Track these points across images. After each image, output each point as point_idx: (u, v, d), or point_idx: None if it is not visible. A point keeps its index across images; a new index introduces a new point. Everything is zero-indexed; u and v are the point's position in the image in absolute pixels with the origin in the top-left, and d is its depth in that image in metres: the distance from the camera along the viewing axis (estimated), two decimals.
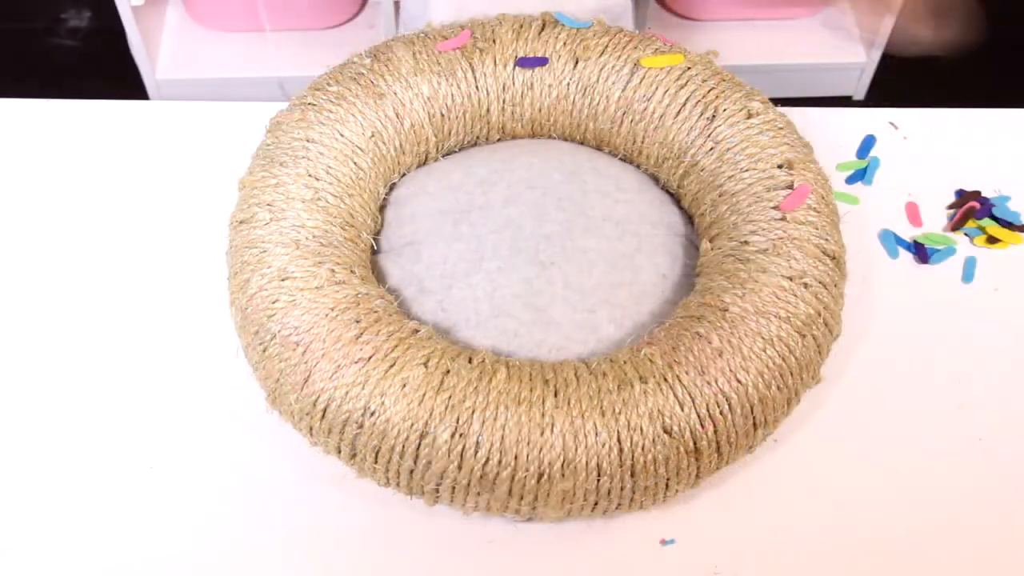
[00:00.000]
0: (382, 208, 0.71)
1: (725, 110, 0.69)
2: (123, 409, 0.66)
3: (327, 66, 0.73)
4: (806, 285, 0.62)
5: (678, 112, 0.70)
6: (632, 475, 0.57)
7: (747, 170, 0.67)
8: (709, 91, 0.70)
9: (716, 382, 0.58)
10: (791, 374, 0.60)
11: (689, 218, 0.71)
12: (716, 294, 0.62)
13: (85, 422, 0.66)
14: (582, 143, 0.74)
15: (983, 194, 0.78)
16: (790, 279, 0.62)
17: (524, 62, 0.71)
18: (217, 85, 1.37)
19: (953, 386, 0.69)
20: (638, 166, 0.73)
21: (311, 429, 0.60)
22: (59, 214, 0.76)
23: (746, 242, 0.64)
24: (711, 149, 0.68)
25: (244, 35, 1.39)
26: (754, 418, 0.60)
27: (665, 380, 0.58)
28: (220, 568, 0.61)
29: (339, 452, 0.60)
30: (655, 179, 0.73)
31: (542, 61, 0.71)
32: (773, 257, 0.63)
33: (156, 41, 1.39)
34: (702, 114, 0.69)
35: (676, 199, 0.72)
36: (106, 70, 1.42)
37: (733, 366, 0.59)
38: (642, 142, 0.71)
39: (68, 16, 1.55)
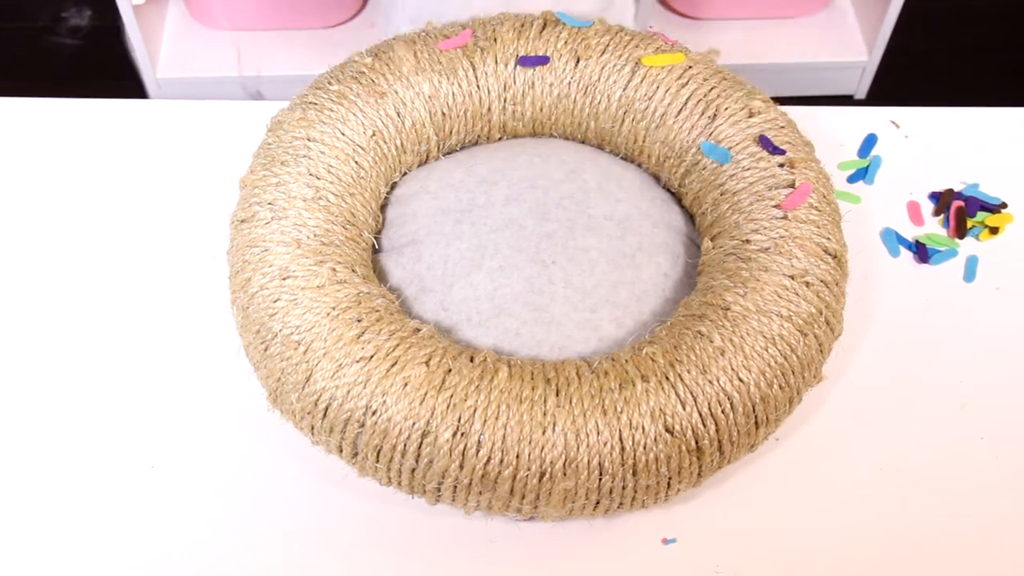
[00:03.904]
0: (383, 207, 0.71)
1: (726, 109, 0.69)
2: (124, 408, 0.66)
3: (328, 65, 0.73)
4: (808, 284, 0.62)
5: (679, 111, 0.70)
6: (634, 474, 0.57)
7: (748, 169, 0.67)
8: (710, 90, 0.70)
9: (718, 381, 0.58)
10: (793, 373, 0.60)
11: (690, 217, 0.71)
12: (718, 293, 0.62)
13: (85, 421, 0.66)
14: (583, 142, 0.74)
15: (955, 190, 0.78)
16: (792, 278, 0.62)
17: (525, 61, 0.71)
18: (218, 84, 1.37)
19: (955, 385, 0.69)
20: (639, 165, 0.73)
21: (312, 428, 0.60)
22: (59, 214, 0.76)
23: (747, 241, 0.64)
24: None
25: (244, 34, 1.39)
26: (756, 417, 0.59)
27: (667, 379, 0.58)
28: (221, 567, 0.61)
29: (340, 451, 0.60)
30: (656, 178, 0.73)
31: (543, 60, 0.71)
32: (775, 256, 0.63)
33: (157, 40, 1.39)
34: (703, 113, 0.69)
35: (677, 198, 0.72)
36: (107, 69, 1.42)
37: (735, 365, 0.59)
38: (643, 141, 0.71)
39: (69, 15, 1.55)
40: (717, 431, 0.58)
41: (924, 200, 0.78)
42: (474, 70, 0.71)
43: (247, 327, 0.62)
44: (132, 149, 0.80)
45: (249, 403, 0.66)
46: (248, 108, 0.82)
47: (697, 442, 0.58)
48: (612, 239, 0.66)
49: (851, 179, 0.79)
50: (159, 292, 0.72)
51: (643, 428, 0.57)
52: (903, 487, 0.64)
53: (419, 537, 0.62)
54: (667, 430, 0.57)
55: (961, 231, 0.76)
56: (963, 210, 0.77)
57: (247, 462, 0.64)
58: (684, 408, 0.57)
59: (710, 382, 0.58)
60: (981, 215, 0.77)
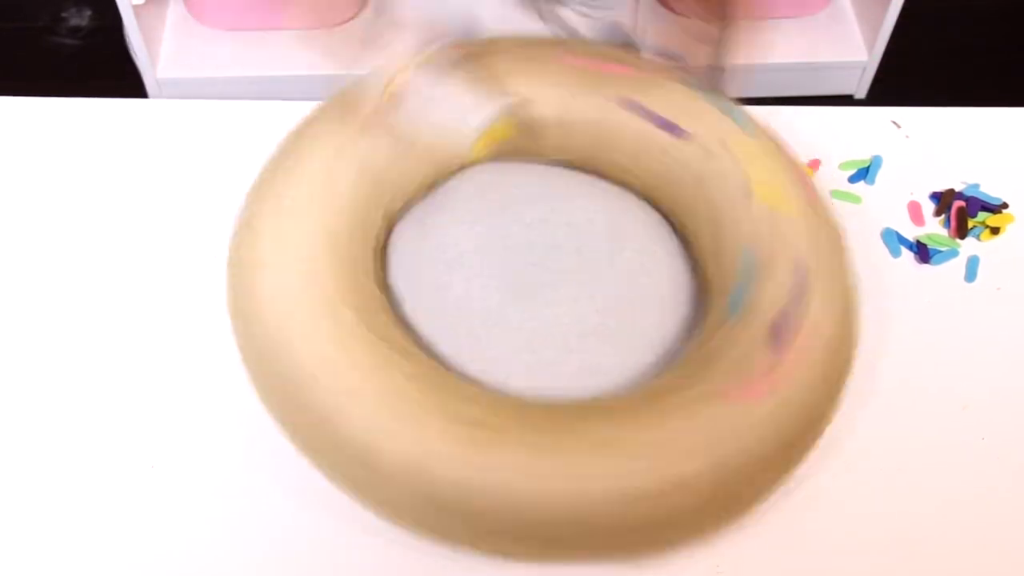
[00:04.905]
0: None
1: None
2: (124, 409, 0.66)
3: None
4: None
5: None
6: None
7: None
8: None
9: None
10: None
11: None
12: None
13: (86, 422, 0.66)
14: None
15: (956, 190, 0.78)
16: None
17: (659, 121, 0.69)
18: (218, 84, 1.37)
19: (956, 386, 0.69)
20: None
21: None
22: (59, 213, 0.76)
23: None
24: None
25: (245, 34, 1.39)
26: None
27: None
28: (221, 567, 0.61)
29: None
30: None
31: (676, 130, 0.68)
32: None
33: (157, 40, 1.39)
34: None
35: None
36: (107, 69, 1.42)
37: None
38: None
39: (69, 15, 1.55)
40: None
41: (925, 200, 0.78)
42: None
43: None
44: (133, 149, 0.79)
45: (249, 403, 0.65)
46: (248, 108, 0.82)
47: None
48: (618, 283, 0.67)
49: (852, 179, 0.79)
50: (158, 292, 0.71)
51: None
52: (903, 488, 0.64)
53: (420, 537, 0.62)
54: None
55: (962, 231, 0.76)
56: (964, 210, 0.77)
57: (247, 462, 0.64)
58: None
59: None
60: (982, 215, 0.77)
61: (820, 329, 0.60)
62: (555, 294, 0.66)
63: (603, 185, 0.73)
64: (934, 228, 0.77)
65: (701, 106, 0.68)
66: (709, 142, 0.67)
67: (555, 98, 0.70)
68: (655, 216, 0.72)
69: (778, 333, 0.58)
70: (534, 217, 0.69)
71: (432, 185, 0.72)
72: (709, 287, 0.66)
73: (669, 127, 0.67)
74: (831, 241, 0.65)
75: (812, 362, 0.59)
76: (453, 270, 0.67)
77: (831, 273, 0.62)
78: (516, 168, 0.73)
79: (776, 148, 0.68)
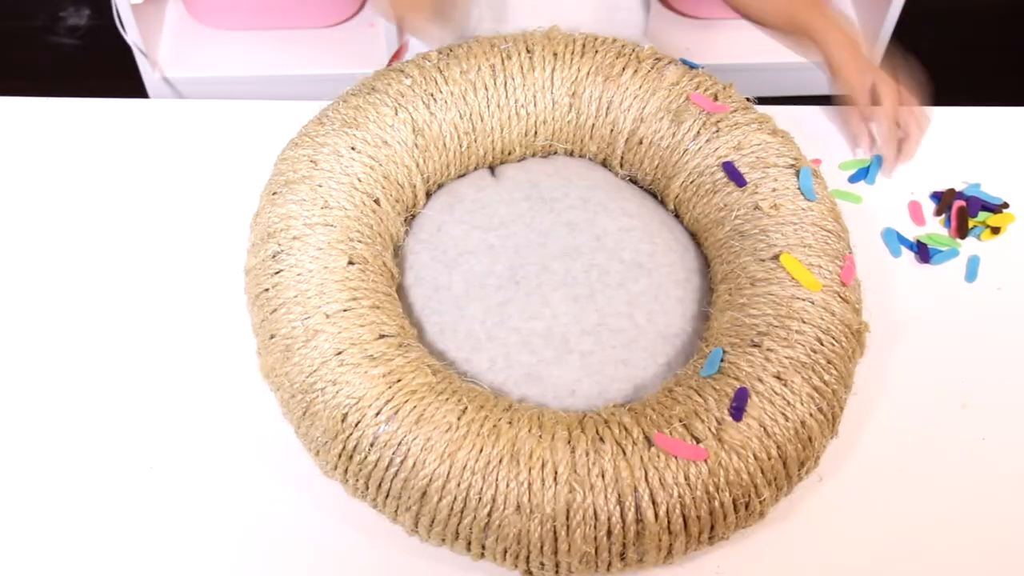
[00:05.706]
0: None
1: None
2: (123, 409, 0.66)
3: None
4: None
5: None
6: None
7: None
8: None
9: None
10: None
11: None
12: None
13: (85, 422, 0.66)
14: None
15: (957, 190, 0.78)
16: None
17: (728, 169, 0.69)
18: (217, 83, 1.37)
19: (956, 385, 0.69)
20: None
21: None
22: (59, 212, 0.76)
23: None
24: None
25: (244, 33, 1.39)
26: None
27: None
28: (220, 566, 0.61)
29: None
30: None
31: (742, 182, 0.68)
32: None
33: (156, 39, 1.39)
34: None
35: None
36: (106, 68, 1.42)
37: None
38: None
39: (68, 14, 1.54)
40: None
41: (925, 200, 0.78)
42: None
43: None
44: (132, 147, 0.79)
45: (248, 404, 0.65)
46: (247, 108, 0.82)
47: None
48: (632, 286, 0.66)
49: (852, 179, 0.79)
50: (157, 292, 0.71)
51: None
52: (903, 486, 0.64)
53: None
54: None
55: (962, 231, 0.76)
56: (964, 210, 0.77)
57: (245, 463, 0.64)
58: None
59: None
60: (983, 215, 0.77)
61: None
62: (555, 294, 0.66)
63: (638, 192, 0.73)
64: (934, 228, 0.77)
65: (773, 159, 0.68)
66: (762, 198, 0.67)
67: (635, 111, 0.71)
68: (680, 230, 0.72)
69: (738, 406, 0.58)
70: (552, 219, 0.69)
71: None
72: (709, 325, 0.66)
73: (735, 175, 0.67)
74: (841, 331, 0.62)
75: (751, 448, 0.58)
76: (453, 270, 0.67)
77: (815, 370, 0.61)
78: (549, 165, 0.74)
79: (828, 212, 0.67)
